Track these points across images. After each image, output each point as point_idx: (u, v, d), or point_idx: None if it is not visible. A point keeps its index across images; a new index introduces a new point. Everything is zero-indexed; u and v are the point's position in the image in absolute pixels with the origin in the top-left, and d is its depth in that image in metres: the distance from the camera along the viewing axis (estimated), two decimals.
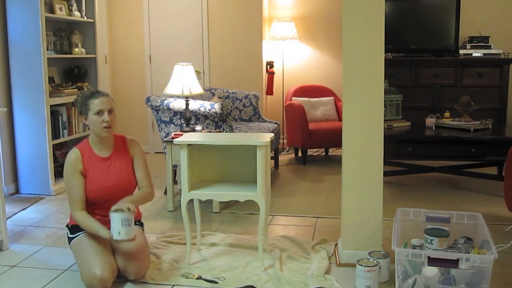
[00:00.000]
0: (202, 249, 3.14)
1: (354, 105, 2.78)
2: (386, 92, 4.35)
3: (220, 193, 2.86)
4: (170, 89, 4.02)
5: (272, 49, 6.27)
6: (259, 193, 2.76)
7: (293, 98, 5.80)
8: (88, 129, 2.90)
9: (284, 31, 5.97)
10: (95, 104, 2.70)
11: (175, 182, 4.25)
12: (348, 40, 2.76)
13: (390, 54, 5.60)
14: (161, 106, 4.28)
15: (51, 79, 4.71)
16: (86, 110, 2.73)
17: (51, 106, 4.43)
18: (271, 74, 6.13)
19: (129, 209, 2.54)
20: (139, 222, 2.98)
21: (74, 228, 2.78)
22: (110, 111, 2.73)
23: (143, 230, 2.96)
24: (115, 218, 2.52)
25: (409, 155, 4.43)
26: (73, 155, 2.77)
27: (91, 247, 2.64)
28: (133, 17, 6.20)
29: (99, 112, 2.70)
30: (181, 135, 3.52)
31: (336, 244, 3.14)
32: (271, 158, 5.23)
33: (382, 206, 2.84)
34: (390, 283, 2.65)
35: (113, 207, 2.55)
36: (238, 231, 3.48)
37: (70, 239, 2.80)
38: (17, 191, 4.52)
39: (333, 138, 5.28)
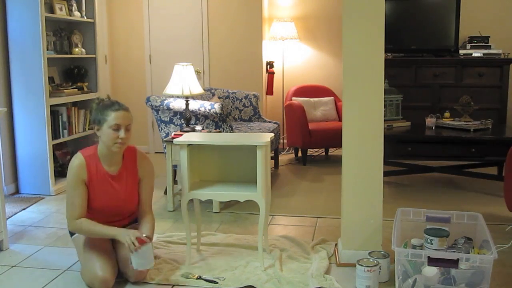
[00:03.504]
0: (202, 249, 3.14)
1: (354, 105, 2.78)
2: (386, 92, 4.35)
3: (220, 193, 2.86)
4: (170, 89, 4.02)
5: (272, 49, 6.27)
6: (259, 193, 2.76)
7: (293, 98, 5.81)
8: (97, 139, 2.69)
9: (284, 31, 5.97)
10: (114, 117, 2.52)
11: (175, 182, 4.25)
12: (348, 40, 2.76)
13: (390, 54, 5.60)
14: (161, 106, 4.28)
15: (51, 79, 4.71)
16: (102, 120, 2.55)
17: (51, 106, 4.43)
18: (271, 74, 6.13)
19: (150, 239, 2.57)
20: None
21: None
22: (127, 128, 2.58)
23: None
24: (147, 250, 2.52)
25: (409, 155, 4.43)
26: (78, 161, 2.60)
27: (93, 247, 2.62)
28: (133, 17, 6.20)
29: (116, 127, 2.54)
30: (181, 135, 3.52)
31: (336, 244, 3.14)
32: (271, 158, 5.23)
33: (382, 206, 2.84)
34: (390, 283, 2.65)
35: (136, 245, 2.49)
36: (238, 231, 3.48)
37: (71, 234, 2.78)
38: (17, 191, 4.52)
39: (333, 138, 5.28)
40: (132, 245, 2.47)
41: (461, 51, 5.51)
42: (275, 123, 5.42)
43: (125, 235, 2.52)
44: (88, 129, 4.94)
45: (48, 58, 4.41)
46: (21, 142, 4.43)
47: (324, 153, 6.05)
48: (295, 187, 4.64)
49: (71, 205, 2.60)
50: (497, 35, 5.59)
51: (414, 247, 2.68)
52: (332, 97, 5.92)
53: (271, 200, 3.27)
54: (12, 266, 2.93)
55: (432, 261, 2.31)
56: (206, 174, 3.05)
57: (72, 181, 2.59)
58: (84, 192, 2.60)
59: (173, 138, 3.85)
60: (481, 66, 5.45)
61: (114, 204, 2.68)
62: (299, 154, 5.75)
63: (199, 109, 4.19)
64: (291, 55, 6.26)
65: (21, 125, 4.41)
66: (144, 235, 2.56)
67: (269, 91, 6.15)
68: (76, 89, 4.82)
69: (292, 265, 2.88)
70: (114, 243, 2.75)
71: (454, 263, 2.28)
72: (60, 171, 4.66)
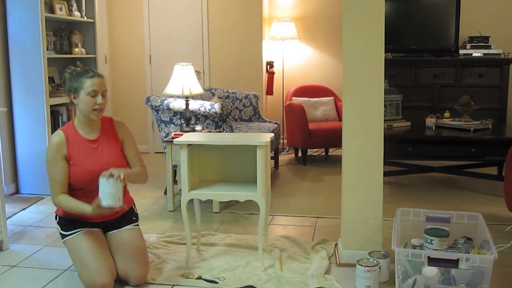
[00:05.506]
0: (202, 249, 3.14)
1: (354, 105, 2.78)
2: (386, 92, 4.35)
3: (220, 193, 2.86)
4: (170, 89, 4.02)
5: (272, 49, 6.27)
6: (259, 193, 2.76)
7: (293, 98, 5.81)
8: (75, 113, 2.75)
9: (284, 31, 5.97)
10: (90, 84, 2.56)
11: (175, 182, 4.25)
12: (348, 40, 2.76)
13: (390, 54, 5.60)
14: (161, 106, 4.28)
15: (51, 79, 4.71)
16: (78, 88, 2.57)
17: (51, 106, 4.43)
18: (271, 74, 6.13)
19: (119, 176, 2.45)
20: (135, 218, 2.85)
21: (65, 224, 2.67)
22: (103, 94, 2.61)
23: (138, 227, 2.83)
24: (104, 183, 2.44)
25: (409, 155, 4.43)
26: (57, 138, 2.62)
27: (89, 250, 2.55)
28: (133, 17, 6.20)
29: (94, 93, 2.56)
30: (181, 135, 3.52)
31: (336, 244, 3.14)
32: (271, 158, 5.23)
33: (382, 206, 2.84)
34: (390, 283, 2.65)
35: (103, 173, 2.46)
36: (238, 231, 3.48)
37: (63, 236, 2.70)
38: (17, 191, 4.52)
39: (333, 138, 5.28)
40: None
41: (461, 51, 5.51)
42: (275, 123, 5.42)
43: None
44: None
45: (48, 58, 4.41)
46: (21, 142, 4.43)
47: (324, 153, 6.05)
48: (295, 187, 4.64)
49: (51, 181, 2.62)
50: (497, 35, 5.59)
51: (414, 247, 2.68)
52: (332, 97, 5.92)
53: (271, 200, 3.27)
54: (12, 266, 2.93)
55: (432, 261, 2.31)
56: (206, 174, 3.05)
57: (51, 158, 2.60)
58: (64, 168, 2.60)
59: (173, 138, 3.86)
60: (481, 66, 5.45)
61: (99, 168, 2.53)
62: (299, 154, 5.75)
63: (199, 109, 4.19)
64: (291, 55, 6.26)
65: (21, 125, 4.41)
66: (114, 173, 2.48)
67: (269, 91, 6.15)
68: None
69: (292, 265, 2.88)
70: (110, 244, 2.70)
71: (454, 263, 2.28)
72: None
